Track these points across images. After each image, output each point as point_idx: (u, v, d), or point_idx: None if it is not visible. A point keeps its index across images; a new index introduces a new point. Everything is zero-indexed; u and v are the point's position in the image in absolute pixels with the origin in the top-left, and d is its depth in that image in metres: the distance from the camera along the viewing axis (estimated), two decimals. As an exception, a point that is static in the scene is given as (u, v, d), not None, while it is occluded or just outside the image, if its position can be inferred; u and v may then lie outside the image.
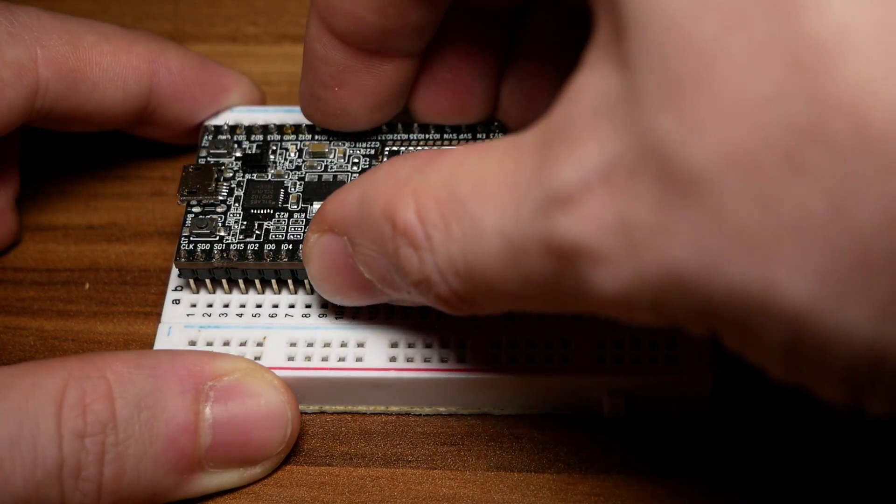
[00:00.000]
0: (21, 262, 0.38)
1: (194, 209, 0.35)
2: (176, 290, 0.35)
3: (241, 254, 0.34)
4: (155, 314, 0.36)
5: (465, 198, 0.27)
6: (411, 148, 0.36)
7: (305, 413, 0.34)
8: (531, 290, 0.27)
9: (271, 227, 0.35)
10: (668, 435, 0.33)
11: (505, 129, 0.36)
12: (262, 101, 0.40)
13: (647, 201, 0.23)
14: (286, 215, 0.35)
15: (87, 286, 0.37)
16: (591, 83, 0.25)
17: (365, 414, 0.34)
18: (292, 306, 0.34)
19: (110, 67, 0.37)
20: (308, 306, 0.34)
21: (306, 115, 0.36)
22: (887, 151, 0.21)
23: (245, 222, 0.35)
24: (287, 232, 0.35)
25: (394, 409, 0.34)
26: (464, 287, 0.28)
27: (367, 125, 0.36)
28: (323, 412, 0.34)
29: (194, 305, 0.35)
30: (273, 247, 0.34)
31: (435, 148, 0.34)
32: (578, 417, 0.33)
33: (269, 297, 0.35)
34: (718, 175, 0.22)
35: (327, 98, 0.35)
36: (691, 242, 0.23)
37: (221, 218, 0.35)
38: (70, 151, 0.40)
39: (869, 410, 0.23)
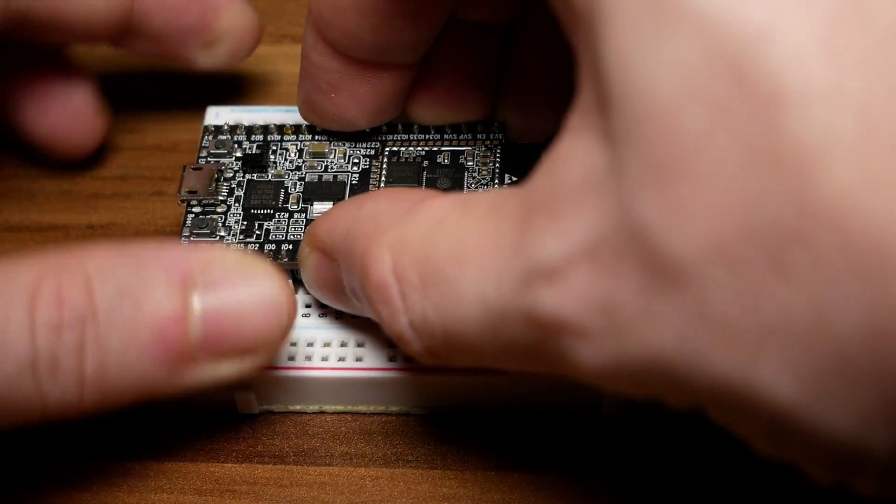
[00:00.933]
0: (21, 262, 0.38)
1: (194, 209, 0.35)
2: None
3: None
4: (155, 314, 0.36)
5: (443, 261, 0.27)
6: (412, 148, 0.36)
7: (305, 413, 0.34)
8: (512, 355, 0.27)
9: (272, 227, 0.35)
10: (669, 435, 0.33)
11: (505, 129, 0.36)
12: (258, 29, 0.39)
13: (632, 283, 0.23)
14: (286, 215, 0.35)
15: (87, 286, 0.37)
16: (576, 153, 0.24)
17: (365, 414, 0.34)
18: (292, 306, 0.34)
19: None
20: (308, 306, 0.34)
21: (304, 118, 0.36)
22: (867, 262, 0.21)
23: (245, 222, 0.35)
24: (287, 232, 0.35)
25: (394, 408, 0.34)
26: (438, 347, 0.28)
27: (366, 127, 0.36)
28: (323, 412, 0.34)
29: (194, 305, 0.35)
30: (273, 247, 0.34)
31: (419, 191, 0.33)
32: (578, 417, 0.33)
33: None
34: (702, 267, 0.22)
35: (324, 103, 0.35)
36: (674, 330, 0.23)
37: (222, 218, 0.35)
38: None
39: (856, 492, 0.23)
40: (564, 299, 0.24)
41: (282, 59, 0.43)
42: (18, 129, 0.38)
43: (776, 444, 0.23)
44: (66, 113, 0.38)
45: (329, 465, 0.33)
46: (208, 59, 0.39)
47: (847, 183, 0.21)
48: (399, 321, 0.28)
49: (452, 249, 0.27)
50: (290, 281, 0.32)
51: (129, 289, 0.29)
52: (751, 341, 0.22)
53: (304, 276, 0.33)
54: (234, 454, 0.33)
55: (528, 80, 0.35)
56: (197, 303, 0.29)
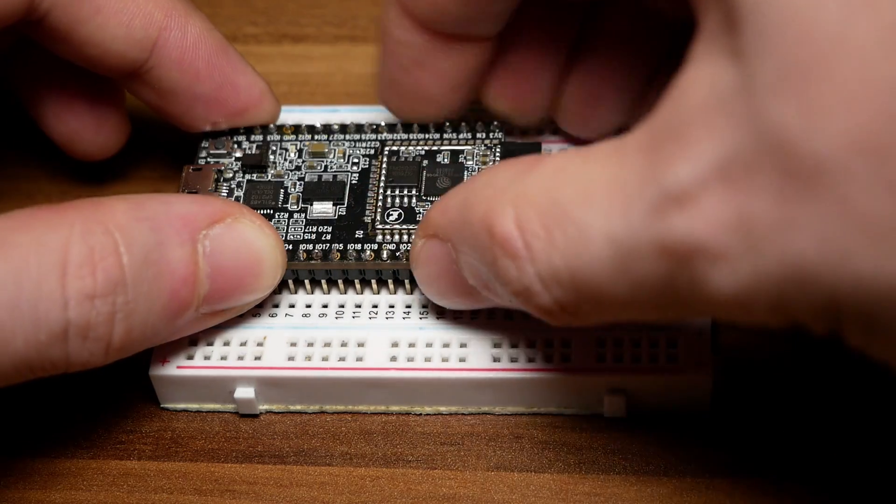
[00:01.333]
0: (21, 263, 0.38)
1: None
2: None
3: None
4: (155, 314, 0.36)
5: (568, 204, 0.27)
6: (411, 148, 0.36)
7: (305, 413, 0.34)
8: (642, 295, 0.26)
9: None
10: (669, 435, 0.33)
11: (504, 130, 0.36)
12: (272, 114, 0.37)
13: (768, 195, 0.23)
14: (286, 215, 0.35)
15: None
16: (702, 77, 0.24)
17: (365, 414, 0.34)
18: (292, 306, 0.34)
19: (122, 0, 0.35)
20: (308, 306, 0.34)
21: (383, 102, 0.36)
22: None
23: None
24: (287, 232, 0.34)
25: (394, 408, 0.34)
26: (568, 297, 0.27)
27: (442, 110, 0.35)
28: (323, 412, 0.34)
29: (194, 306, 0.35)
30: None
31: (535, 155, 0.33)
32: (578, 417, 0.33)
33: (268, 297, 0.35)
34: (845, 162, 0.22)
35: (405, 81, 0.35)
36: (816, 235, 0.23)
37: None
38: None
39: None
40: (698, 223, 0.24)
41: (282, 59, 0.43)
42: (41, 123, 0.38)
43: None
44: (92, 114, 0.38)
45: (329, 465, 0.33)
46: (209, 126, 0.37)
47: None
48: (527, 273, 0.28)
49: (576, 192, 0.27)
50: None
51: (151, 254, 0.30)
52: None
53: (417, 274, 0.32)
54: (234, 454, 0.33)
55: (595, 70, 0.35)
56: (204, 263, 0.31)
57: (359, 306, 0.34)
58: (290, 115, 0.38)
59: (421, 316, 0.34)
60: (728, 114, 0.24)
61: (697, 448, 0.32)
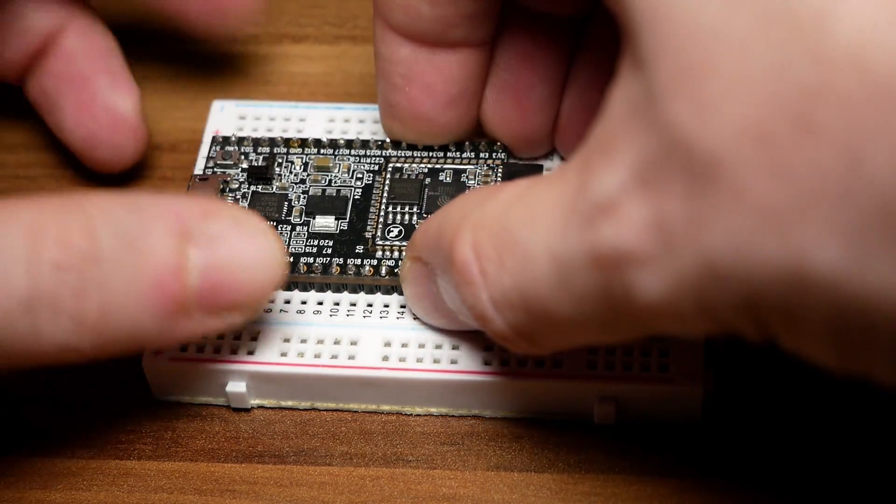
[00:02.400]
0: (21, 262, 0.38)
1: None
2: None
3: None
4: (155, 314, 0.36)
5: (515, 227, 0.27)
6: (415, 165, 0.36)
7: (296, 409, 0.34)
8: (586, 312, 0.27)
9: None
10: (669, 435, 0.33)
11: (506, 150, 0.36)
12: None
13: (678, 194, 0.23)
14: (289, 228, 0.35)
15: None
16: (620, 90, 0.25)
17: (363, 413, 0.34)
18: (287, 302, 0.34)
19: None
20: (303, 303, 0.34)
21: (387, 130, 0.36)
22: (894, 97, 0.21)
23: None
24: (289, 245, 0.35)
25: (385, 407, 0.34)
26: (520, 319, 0.28)
27: (445, 131, 0.36)
28: (314, 409, 0.34)
29: (188, 301, 0.35)
30: None
31: (502, 182, 0.34)
32: (580, 416, 0.33)
33: None
34: (734, 153, 0.22)
35: (400, 101, 0.35)
36: (721, 229, 0.23)
37: None
38: (70, 150, 0.41)
39: None
40: (622, 229, 0.24)
41: (281, 59, 0.43)
42: (56, 129, 0.38)
43: (841, 344, 0.23)
44: (107, 121, 0.38)
45: (329, 465, 0.33)
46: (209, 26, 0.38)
47: (862, 25, 0.21)
48: (481, 299, 0.28)
49: (524, 215, 0.27)
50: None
51: (131, 236, 0.29)
52: (791, 214, 0.22)
53: (406, 294, 0.33)
54: (234, 454, 0.33)
55: (592, 84, 0.35)
56: (195, 256, 0.29)
57: (353, 305, 0.34)
58: (295, 111, 0.38)
59: (415, 317, 0.34)
60: (639, 121, 0.24)
61: (697, 448, 0.32)
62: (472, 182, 0.36)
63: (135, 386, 0.35)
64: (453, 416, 0.34)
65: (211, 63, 0.43)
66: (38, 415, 0.35)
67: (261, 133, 0.38)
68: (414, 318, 0.34)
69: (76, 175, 0.40)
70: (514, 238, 0.27)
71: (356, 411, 0.34)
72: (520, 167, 0.36)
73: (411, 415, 0.34)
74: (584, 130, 0.34)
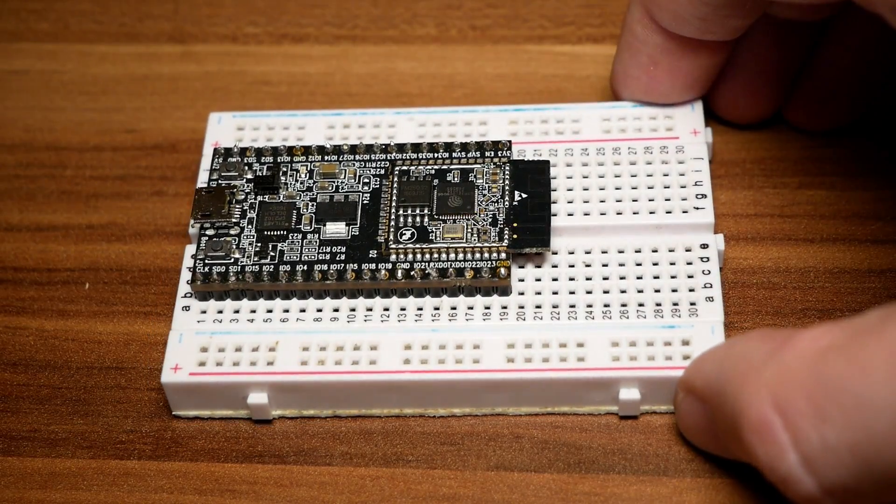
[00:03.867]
0: (21, 262, 0.38)
1: (208, 231, 0.35)
2: (185, 296, 0.35)
3: (257, 276, 0.34)
4: (155, 314, 0.36)
5: (838, 378, 0.25)
6: (421, 167, 0.36)
7: (318, 417, 0.34)
8: None
9: (285, 248, 0.35)
10: (669, 435, 0.33)
11: (511, 146, 0.36)
12: None
13: None
14: (300, 236, 0.35)
15: (87, 286, 0.37)
16: None
17: (373, 416, 0.34)
18: (303, 311, 0.34)
19: None
20: (319, 310, 0.34)
21: (615, 91, 0.38)
22: None
23: (259, 244, 0.35)
24: (301, 253, 0.35)
25: (408, 411, 0.34)
26: (842, 477, 0.26)
27: (670, 101, 0.37)
28: (337, 416, 0.34)
29: (204, 312, 0.35)
30: (288, 268, 0.34)
31: (783, 329, 0.30)
32: (578, 417, 0.33)
33: (279, 303, 0.35)
34: None
35: (641, 77, 0.37)
36: None
37: (235, 240, 0.35)
38: (70, 150, 0.40)
39: None
40: None
41: (282, 59, 0.43)
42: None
43: None
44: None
45: (329, 465, 0.33)
46: None
47: None
48: (785, 460, 0.26)
49: (850, 367, 0.25)
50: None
51: None
52: None
53: (679, 424, 0.32)
54: (234, 454, 0.33)
55: (825, 81, 0.37)
56: None
57: (370, 310, 0.34)
58: (294, 120, 0.38)
59: (433, 318, 0.34)
60: None
61: (697, 448, 0.32)
62: (481, 181, 0.36)
63: (135, 386, 0.35)
64: (455, 415, 0.34)
65: (211, 63, 0.43)
66: (38, 415, 0.35)
67: (261, 143, 0.38)
68: (432, 319, 0.34)
69: (76, 175, 0.40)
70: (840, 389, 0.25)
71: (379, 417, 0.34)
72: (527, 164, 0.36)
73: (434, 416, 0.34)
74: (819, 107, 0.37)
